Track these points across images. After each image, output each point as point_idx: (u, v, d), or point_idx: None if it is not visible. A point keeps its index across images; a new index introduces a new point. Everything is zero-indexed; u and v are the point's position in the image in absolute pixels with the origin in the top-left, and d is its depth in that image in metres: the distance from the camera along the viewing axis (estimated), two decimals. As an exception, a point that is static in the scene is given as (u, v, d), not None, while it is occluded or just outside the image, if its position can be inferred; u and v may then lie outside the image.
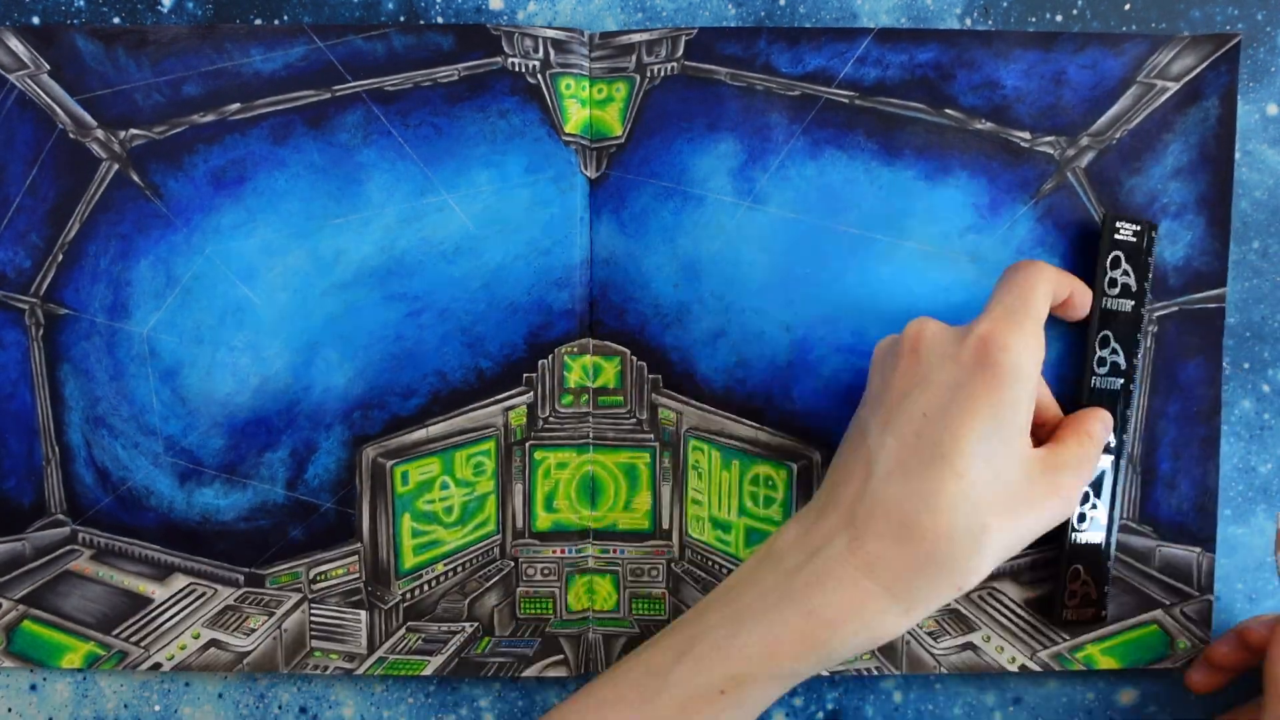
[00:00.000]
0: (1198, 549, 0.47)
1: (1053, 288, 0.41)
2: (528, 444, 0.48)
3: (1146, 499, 0.47)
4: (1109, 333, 0.45)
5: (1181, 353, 0.47)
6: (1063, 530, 0.46)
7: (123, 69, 0.46)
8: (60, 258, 0.47)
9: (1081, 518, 0.46)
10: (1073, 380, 0.47)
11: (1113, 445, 0.46)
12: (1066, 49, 0.46)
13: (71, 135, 0.47)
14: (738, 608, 0.40)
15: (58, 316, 0.47)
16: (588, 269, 0.47)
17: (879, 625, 0.38)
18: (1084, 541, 0.46)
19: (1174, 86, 0.46)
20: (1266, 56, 0.47)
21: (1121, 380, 0.46)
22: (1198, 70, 0.46)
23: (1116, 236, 0.45)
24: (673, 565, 0.48)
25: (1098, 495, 0.46)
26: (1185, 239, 0.47)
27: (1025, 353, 0.38)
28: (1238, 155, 0.47)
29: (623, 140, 0.47)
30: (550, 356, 0.47)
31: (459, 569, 0.48)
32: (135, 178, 0.47)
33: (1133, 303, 0.46)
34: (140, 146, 0.47)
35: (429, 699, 0.49)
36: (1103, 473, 0.46)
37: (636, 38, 0.46)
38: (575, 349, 0.47)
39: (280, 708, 0.49)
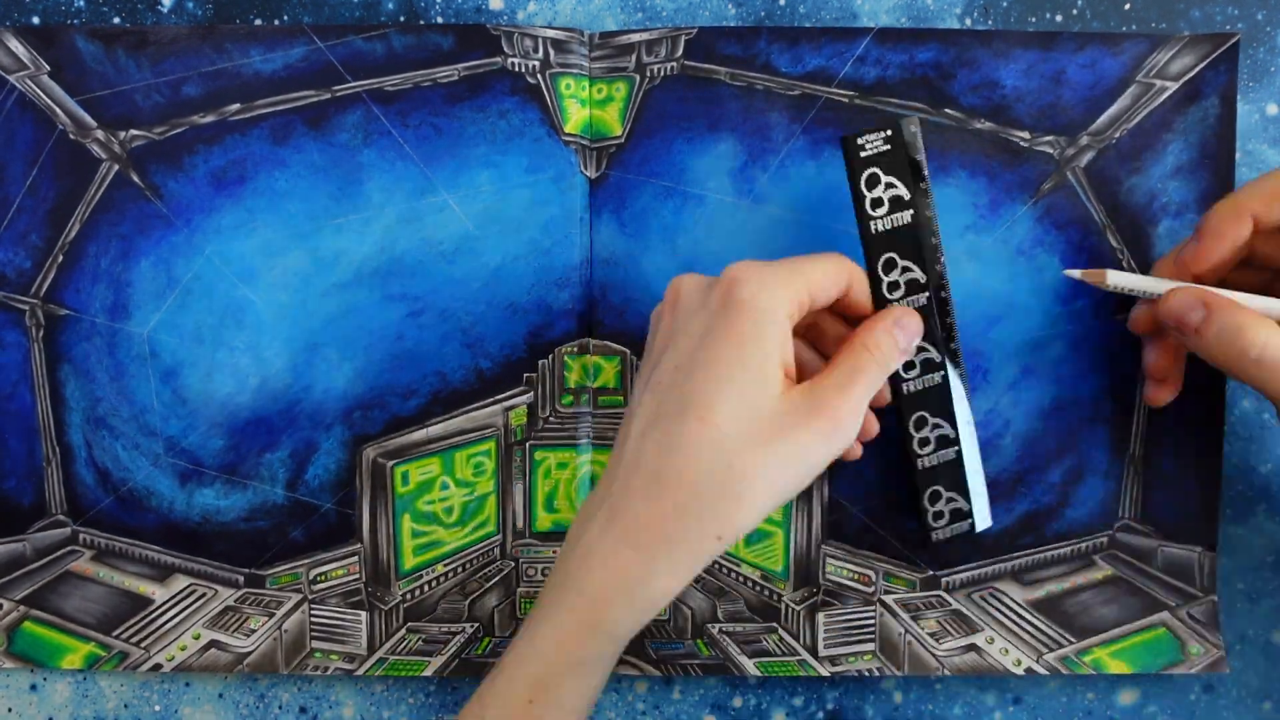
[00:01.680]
0: (1199, 548, 0.47)
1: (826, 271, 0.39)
2: (528, 444, 0.48)
3: (1148, 499, 0.47)
4: (893, 254, 0.42)
5: (1182, 352, 0.47)
6: (909, 459, 0.44)
7: (123, 69, 0.46)
8: (60, 258, 0.47)
9: (924, 442, 0.44)
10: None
11: (936, 358, 0.43)
12: (1066, 48, 0.46)
13: (72, 136, 0.47)
14: (534, 610, 0.40)
15: (58, 317, 0.47)
16: (588, 269, 0.47)
17: (646, 594, 0.38)
18: (935, 464, 0.44)
19: (1173, 86, 0.46)
20: (1266, 56, 0.47)
21: (926, 294, 0.42)
22: (1197, 69, 0.46)
23: (863, 154, 0.41)
24: (673, 565, 0.48)
25: (937, 414, 0.44)
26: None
27: (767, 289, 0.37)
28: (1237, 155, 0.47)
29: (622, 140, 0.47)
30: (550, 356, 0.47)
31: (459, 569, 0.48)
32: (135, 178, 0.47)
33: (910, 211, 0.42)
34: (140, 147, 0.47)
35: (429, 699, 0.49)
36: (932, 388, 0.44)
37: (636, 38, 0.46)
38: (575, 349, 0.47)
39: (280, 708, 0.49)
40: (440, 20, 0.47)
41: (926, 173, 0.42)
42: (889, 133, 0.41)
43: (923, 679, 0.48)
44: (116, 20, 0.47)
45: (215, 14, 0.47)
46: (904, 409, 0.44)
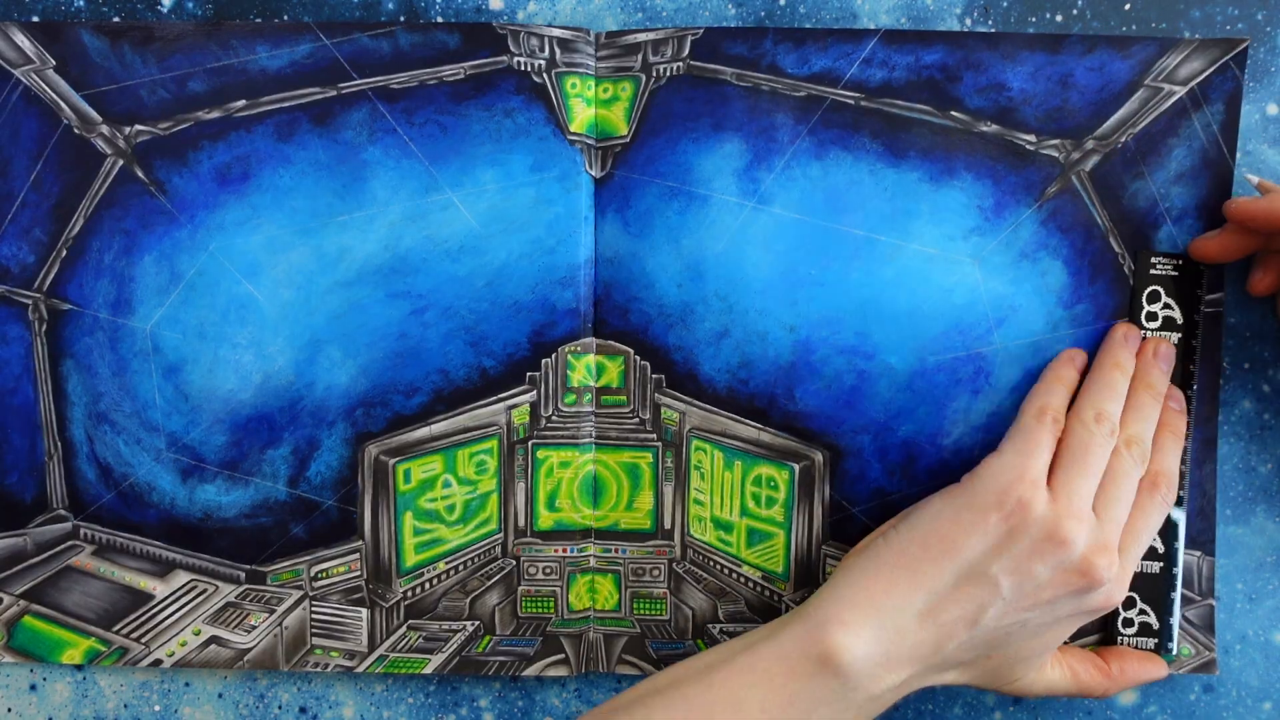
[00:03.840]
0: (1198, 552, 0.47)
1: None
2: (530, 443, 0.48)
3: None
4: None
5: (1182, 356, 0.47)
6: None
7: (129, 65, 0.46)
8: (64, 253, 0.47)
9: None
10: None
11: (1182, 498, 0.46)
12: (1074, 51, 0.46)
13: (76, 131, 0.47)
14: None
15: (61, 312, 0.47)
16: (592, 268, 0.47)
17: None
18: (1139, 570, 0.46)
19: (1180, 90, 0.46)
20: (1267, 57, 0.47)
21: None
22: (1205, 74, 0.46)
23: (1152, 272, 0.46)
24: (674, 565, 0.48)
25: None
26: (1185, 243, 0.47)
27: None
28: (1238, 155, 0.47)
29: (628, 140, 0.47)
30: (554, 355, 0.47)
31: (460, 567, 0.48)
32: (140, 174, 0.47)
33: (1178, 335, 0.46)
34: (145, 142, 0.47)
35: (429, 699, 0.49)
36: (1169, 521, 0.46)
37: (642, 37, 0.46)
38: (579, 348, 0.47)
39: (280, 708, 0.49)
40: (440, 20, 0.47)
41: (1200, 311, 0.46)
42: (1180, 262, 0.46)
43: (923, 680, 0.48)
44: (116, 20, 0.47)
45: (215, 15, 0.47)
46: None
